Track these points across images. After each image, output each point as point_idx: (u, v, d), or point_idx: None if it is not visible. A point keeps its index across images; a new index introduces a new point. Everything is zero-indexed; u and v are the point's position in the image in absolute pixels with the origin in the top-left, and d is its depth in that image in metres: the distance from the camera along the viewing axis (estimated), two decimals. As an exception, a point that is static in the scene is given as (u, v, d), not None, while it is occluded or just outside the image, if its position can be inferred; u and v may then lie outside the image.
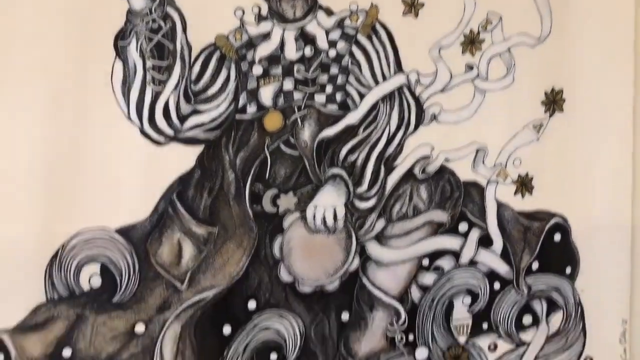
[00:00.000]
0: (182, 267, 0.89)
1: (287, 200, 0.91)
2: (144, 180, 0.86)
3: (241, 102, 0.88)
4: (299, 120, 0.90)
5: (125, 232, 0.87)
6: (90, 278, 0.87)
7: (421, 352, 0.96)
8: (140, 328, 0.88)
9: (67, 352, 0.86)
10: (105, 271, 0.87)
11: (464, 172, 0.96)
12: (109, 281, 0.87)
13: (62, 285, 0.86)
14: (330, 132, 0.91)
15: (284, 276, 0.92)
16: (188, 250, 0.89)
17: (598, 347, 1.01)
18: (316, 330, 0.94)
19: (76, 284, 0.86)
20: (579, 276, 1.00)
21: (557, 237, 0.99)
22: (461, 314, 0.97)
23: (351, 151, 0.91)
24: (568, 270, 1.00)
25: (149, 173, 0.86)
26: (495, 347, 0.99)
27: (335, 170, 0.91)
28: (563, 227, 0.99)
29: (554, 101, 0.96)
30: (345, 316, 0.95)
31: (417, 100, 0.92)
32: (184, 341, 0.90)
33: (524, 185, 0.97)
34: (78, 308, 0.87)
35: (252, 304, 0.91)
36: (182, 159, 0.87)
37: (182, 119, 0.86)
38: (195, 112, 0.86)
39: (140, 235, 0.88)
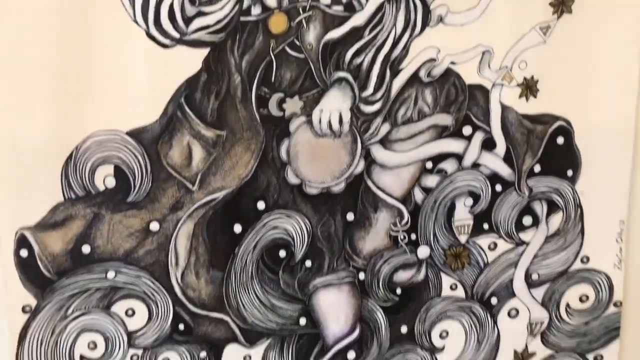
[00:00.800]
0: (193, 169, 0.92)
1: (293, 104, 0.92)
2: (152, 83, 0.88)
3: (245, 3, 0.87)
4: (303, 22, 0.89)
5: (135, 134, 0.89)
6: (104, 179, 0.90)
7: (423, 251, 1.01)
8: (154, 226, 0.92)
9: (86, 248, 0.92)
10: (119, 172, 0.91)
11: (470, 76, 0.96)
12: (123, 182, 0.91)
13: (78, 186, 0.90)
14: (335, 34, 0.90)
15: (291, 178, 0.95)
16: (198, 152, 0.92)
17: (595, 247, 1.04)
18: (322, 229, 0.98)
19: (91, 184, 0.90)
20: (579, 179, 1.02)
21: (560, 140, 1.00)
22: (463, 215, 1.00)
23: (357, 54, 0.92)
24: (569, 172, 1.01)
25: (156, 76, 0.88)
26: (495, 246, 1.03)
27: (341, 74, 0.92)
28: (566, 131, 1.00)
29: (562, 2, 0.94)
30: (350, 216, 0.98)
31: (423, 1, 0.91)
32: (197, 238, 0.94)
33: (529, 88, 0.97)
34: (94, 207, 0.91)
35: (261, 205, 0.95)
36: (188, 62, 0.88)
37: (187, 21, 0.86)
38: (200, 13, 0.86)
39: (150, 137, 0.90)
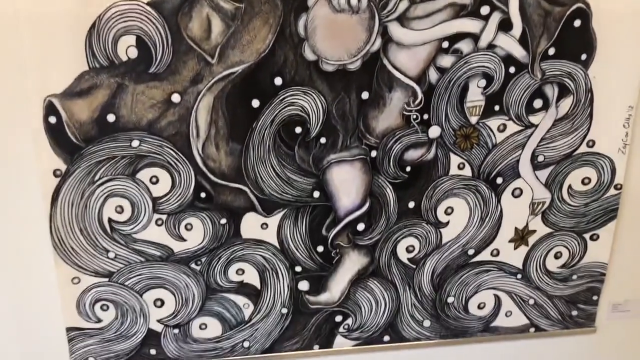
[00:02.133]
0: (212, 42, 0.94)
1: None
2: (172, -48, 0.88)
3: None
4: None
5: (156, 5, 0.91)
6: (127, 49, 0.93)
7: (434, 130, 1.04)
8: (176, 98, 0.96)
9: (111, 117, 0.95)
10: (140, 43, 0.93)
11: (491, -47, 0.94)
12: (145, 53, 0.93)
13: (102, 55, 0.92)
14: None
15: (308, 55, 0.96)
16: (217, 25, 0.93)
17: (601, 131, 1.07)
18: (337, 107, 1.01)
19: (114, 54, 0.92)
20: (592, 63, 1.02)
21: (577, 23, 1.00)
22: (475, 95, 1.03)
23: None
24: (583, 56, 1.02)
25: (176, -55, 0.87)
26: (505, 127, 1.06)
27: None
28: (584, 13, 0.99)
29: None
30: (365, 95, 1.01)
31: None
32: (217, 111, 0.98)
33: (551, -33, 0.96)
34: (118, 77, 0.94)
35: (278, 81, 0.97)
36: None
37: None
38: None
39: (171, 8, 0.91)
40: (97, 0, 0.89)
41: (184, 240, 1.03)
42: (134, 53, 0.93)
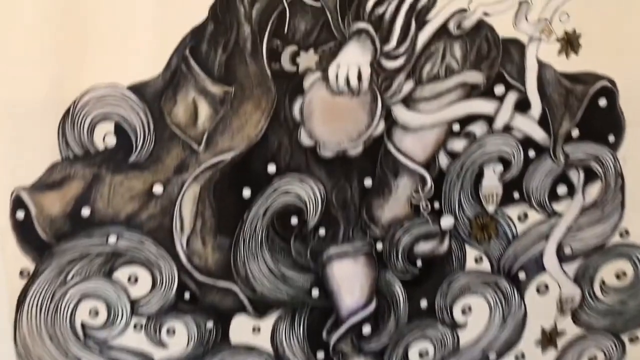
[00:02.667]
0: (199, 128, 0.86)
1: (308, 58, 0.85)
2: (154, 33, 0.82)
3: (255, -57, 0.80)
4: (320, -35, 0.81)
5: (137, 89, 0.83)
6: (104, 137, 0.85)
7: (447, 220, 0.94)
8: (158, 189, 0.87)
9: (85, 211, 0.86)
10: (119, 130, 0.85)
11: (504, 29, 0.88)
12: (124, 141, 0.85)
13: (77, 144, 0.84)
14: None
15: (305, 140, 0.88)
16: (204, 110, 0.85)
17: (635, 220, 0.97)
18: (338, 195, 0.92)
19: (90, 142, 0.85)
20: (622, 145, 0.94)
21: (602, 102, 0.92)
22: (491, 182, 0.93)
23: (379, 3, 0.84)
24: (611, 138, 0.93)
25: (158, 25, 0.81)
26: (526, 217, 0.95)
27: (361, 25, 0.84)
28: (610, 91, 0.91)
29: (610, -53, 0.84)
30: (368, 182, 0.92)
31: (454, -57, 0.83)
32: (204, 202, 0.89)
33: (570, 43, 0.88)
34: (94, 167, 0.85)
35: (271, 168, 0.89)
36: (193, 9, 0.81)
37: (192, -37, 0.79)
38: (206, -45, 0.79)
39: (153, 92, 0.84)
40: (72, 84, 0.82)
41: (166, 346, 0.92)
42: (112, 141, 0.85)
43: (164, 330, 0.92)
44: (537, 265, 0.97)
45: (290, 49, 0.85)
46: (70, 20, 0.79)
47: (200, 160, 0.87)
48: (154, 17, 0.81)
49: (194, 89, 0.85)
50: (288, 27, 0.83)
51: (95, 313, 0.90)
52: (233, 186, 0.89)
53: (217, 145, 0.87)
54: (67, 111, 0.83)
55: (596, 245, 0.97)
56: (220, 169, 0.88)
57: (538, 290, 0.98)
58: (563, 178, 0.94)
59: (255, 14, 0.82)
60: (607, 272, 0.99)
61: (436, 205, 0.93)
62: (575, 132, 0.92)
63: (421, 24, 0.86)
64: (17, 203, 0.85)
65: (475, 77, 0.88)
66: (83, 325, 0.90)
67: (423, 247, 0.95)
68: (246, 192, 0.89)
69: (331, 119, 0.87)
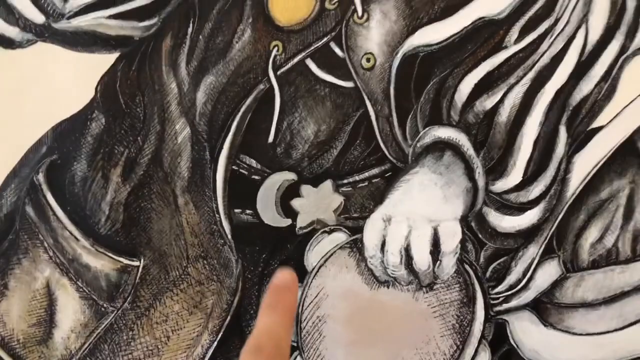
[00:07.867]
0: (55, 353, 0.40)
1: (317, 200, 0.43)
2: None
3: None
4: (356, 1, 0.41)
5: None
6: None
7: None
8: None
9: None
10: None
11: None
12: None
13: None
14: (434, 35, 0.43)
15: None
16: (70, 311, 0.42)
17: None
18: None
19: None
20: None
21: None
22: None
23: (486, 87, 0.40)
24: None
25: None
26: None
27: (445, 133, 0.43)
28: None
29: None
30: None
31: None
32: None
33: None
34: None
35: None
36: (59, 87, 0.43)
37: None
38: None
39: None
40: None
41: None
42: None
43: None
44: None
45: (280, 177, 0.43)
46: None
47: None
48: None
49: (52, 261, 0.39)
50: (276, 128, 0.44)
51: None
52: None
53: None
54: None
55: None
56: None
57: None
58: None
59: (204, 95, 0.45)
60: None
61: None
62: None
63: (578, 134, 0.44)
64: None
65: None
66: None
67: None
68: None
69: (367, 337, 0.45)
